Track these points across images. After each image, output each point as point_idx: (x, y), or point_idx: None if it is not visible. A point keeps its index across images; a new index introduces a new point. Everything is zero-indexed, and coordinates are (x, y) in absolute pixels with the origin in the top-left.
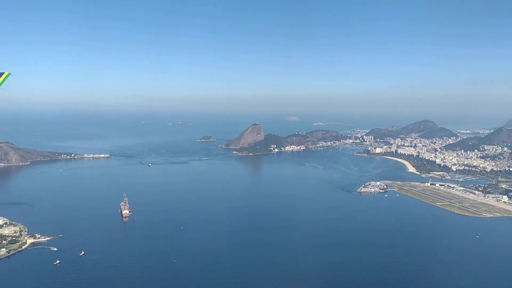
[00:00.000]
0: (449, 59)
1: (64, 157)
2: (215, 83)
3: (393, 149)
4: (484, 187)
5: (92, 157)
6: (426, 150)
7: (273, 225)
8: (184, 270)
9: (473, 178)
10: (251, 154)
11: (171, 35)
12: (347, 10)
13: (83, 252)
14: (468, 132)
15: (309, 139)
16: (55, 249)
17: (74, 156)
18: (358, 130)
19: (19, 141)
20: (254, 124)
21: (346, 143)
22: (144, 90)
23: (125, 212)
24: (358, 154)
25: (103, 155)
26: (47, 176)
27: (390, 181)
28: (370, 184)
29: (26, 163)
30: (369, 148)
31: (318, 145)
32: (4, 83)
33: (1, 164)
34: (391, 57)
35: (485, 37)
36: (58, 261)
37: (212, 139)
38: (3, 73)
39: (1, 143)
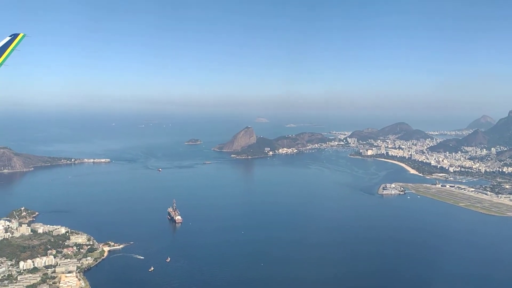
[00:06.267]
0: (416, 62)
1: (64, 162)
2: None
3: (383, 151)
4: (491, 188)
5: (93, 162)
6: (415, 152)
7: (333, 229)
8: (274, 276)
9: (474, 179)
10: (249, 157)
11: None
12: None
13: (169, 259)
14: (437, 133)
15: (298, 141)
16: (142, 257)
17: (74, 161)
18: (334, 132)
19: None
20: (247, 128)
21: (332, 145)
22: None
23: (178, 218)
24: (351, 156)
25: (103, 160)
26: (62, 182)
27: (402, 183)
28: (387, 186)
29: (30, 169)
30: (361, 151)
31: (307, 147)
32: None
33: (6, 170)
34: (363, 54)
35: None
36: (152, 268)
37: (199, 142)
38: (18, 35)
39: (1, 148)
